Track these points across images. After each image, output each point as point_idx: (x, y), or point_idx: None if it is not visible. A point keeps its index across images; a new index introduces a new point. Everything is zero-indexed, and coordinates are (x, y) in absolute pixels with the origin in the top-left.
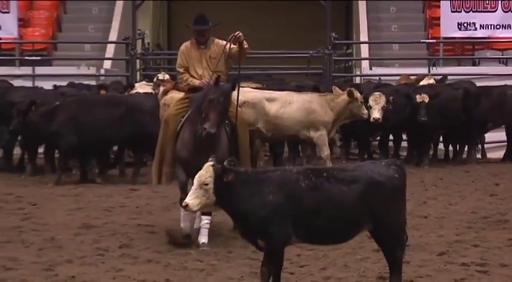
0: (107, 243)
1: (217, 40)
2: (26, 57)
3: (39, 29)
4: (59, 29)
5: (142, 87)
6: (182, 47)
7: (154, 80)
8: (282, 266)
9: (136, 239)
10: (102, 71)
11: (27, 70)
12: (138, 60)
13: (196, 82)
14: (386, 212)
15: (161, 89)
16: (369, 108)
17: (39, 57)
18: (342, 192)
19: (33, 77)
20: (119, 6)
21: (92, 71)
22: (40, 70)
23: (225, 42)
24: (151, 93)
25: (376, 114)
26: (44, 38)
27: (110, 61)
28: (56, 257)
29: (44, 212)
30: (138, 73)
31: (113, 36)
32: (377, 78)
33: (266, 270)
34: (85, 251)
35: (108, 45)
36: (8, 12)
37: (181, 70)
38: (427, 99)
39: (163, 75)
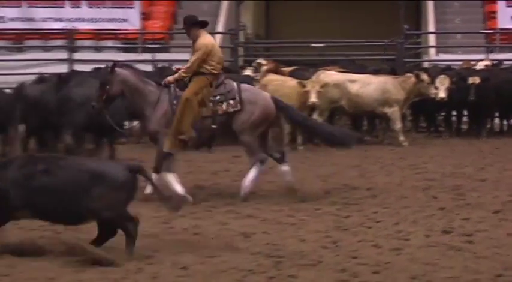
0: (214, 201)
1: (203, 36)
2: (147, 45)
3: (159, 21)
4: (175, 22)
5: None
6: None
7: (253, 64)
8: None
9: (238, 198)
10: None
11: (147, 56)
12: (240, 48)
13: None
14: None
15: (264, 68)
16: (435, 88)
17: (158, 45)
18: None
19: (153, 62)
20: (224, 2)
21: None
22: (158, 56)
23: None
24: (249, 75)
25: (442, 93)
26: (162, 29)
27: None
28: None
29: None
30: (240, 59)
31: (220, 27)
32: (443, 63)
33: None
34: (196, 207)
35: (216, 35)
36: (132, 8)
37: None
38: (477, 81)
39: (261, 61)
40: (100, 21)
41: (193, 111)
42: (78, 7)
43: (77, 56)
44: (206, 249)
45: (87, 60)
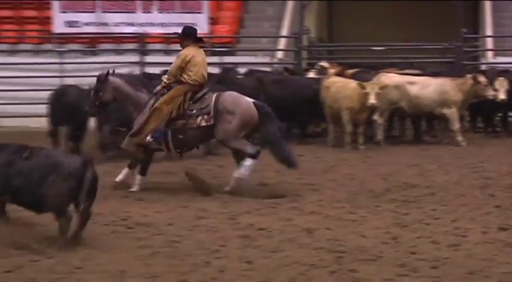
0: (278, 198)
1: (188, 48)
2: (215, 49)
3: (226, 26)
4: (241, 26)
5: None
6: None
7: (316, 67)
8: None
9: (301, 195)
10: (275, 60)
11: (215, 59)
12: (304, 51)
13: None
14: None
15: (332, 71)
16: (494, 90)
17: (225, 49)
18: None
19: (220, 64)
20: (289, 7)
21: (267, 60)
22: (226, 59)
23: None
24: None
25: (502, 95)
26: (229, 33)
27: (281, 52)
28: (238, 208)
29: (229, 172)
30: (304, 62)
31: (284, 31)
32: (500, 66)
33: None
34: (261, 204)
35: (281, 39)
36: (201, 13)
37: None
38: None
39: (324, 63)
40: (170, 26)
41: (159, 120)
42: (149, 12)
43: (148, 58)
44: (270, 244)
45: (157, 63)
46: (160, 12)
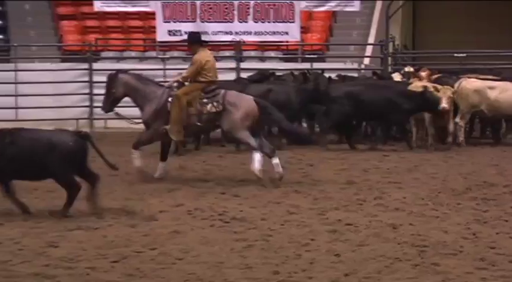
0: (364, 195)
1: (200, 52)
2: (306, 56)
3: (316, 34)
4: (331, 34)
5: (396, 77)
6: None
7: (402, 72)
8: None
9: (386, 192)
10: (363, 66)
11: (306, 65)
12: (389, 58)
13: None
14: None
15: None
16: None
17: (315, 56)
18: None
19: (309, 70)
20: (375, 17)
21: (355, 66)
22: (316, 65)
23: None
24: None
25: None
26: (319, 41)
27: (368, 58)
28: (327, 205)
29: (318, 171)
30: (389, 68)
31: (371, 39)
32: None
33: None
34: (348, 201)
35: (367, 46)
36: (293, 22)
37: None
38: None
39: (408, 68)
40: (264, 34)
41: (180, 107)
42: (245, 22)
43: (244, 65)
44: (357, 239)
45: (252, 69)
46: (256, 22)
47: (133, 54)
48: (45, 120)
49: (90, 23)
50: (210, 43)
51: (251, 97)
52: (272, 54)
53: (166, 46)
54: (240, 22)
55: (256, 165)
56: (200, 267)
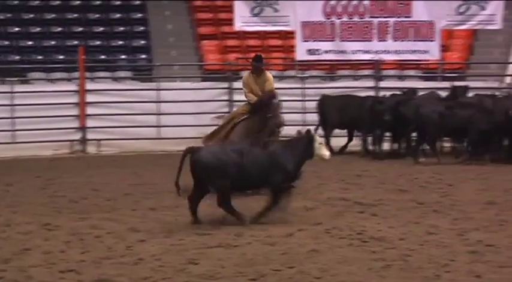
0: (506, 215)
1: (266, 71)
2: (446, 75)
3: (457, 52)
4: (471, 53)
5: None
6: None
7: None
8: None
9: None
10: (504, 85)
11: (446, 84)
12: None
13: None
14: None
15: None
16: None
17: (456, 75)
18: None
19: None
20: None
21: (495, 84)
22: (456, 84)
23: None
24: None
25: None
26: (460, 60)
27: (510, 77)
28: (467, 225)
29: (458, 191)
30: None
31: None
32: None
33: None
34: (489, 221)
35: (510, 65)
36: (433, 41)
37: (247, 90)
38: None
39: None
40: (404, 53)
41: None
42: (384, 40)
43: (383, 84)
44: (499, 260)
45: (391, 88)
46: (395, 40)
47: (273, 73)
48: (187, 139)
49: (231, 42)
50: (349, 62)
51: None
52: (411, 73)
53: (306, 65)
54: (379, 41)
55: None
56: None
